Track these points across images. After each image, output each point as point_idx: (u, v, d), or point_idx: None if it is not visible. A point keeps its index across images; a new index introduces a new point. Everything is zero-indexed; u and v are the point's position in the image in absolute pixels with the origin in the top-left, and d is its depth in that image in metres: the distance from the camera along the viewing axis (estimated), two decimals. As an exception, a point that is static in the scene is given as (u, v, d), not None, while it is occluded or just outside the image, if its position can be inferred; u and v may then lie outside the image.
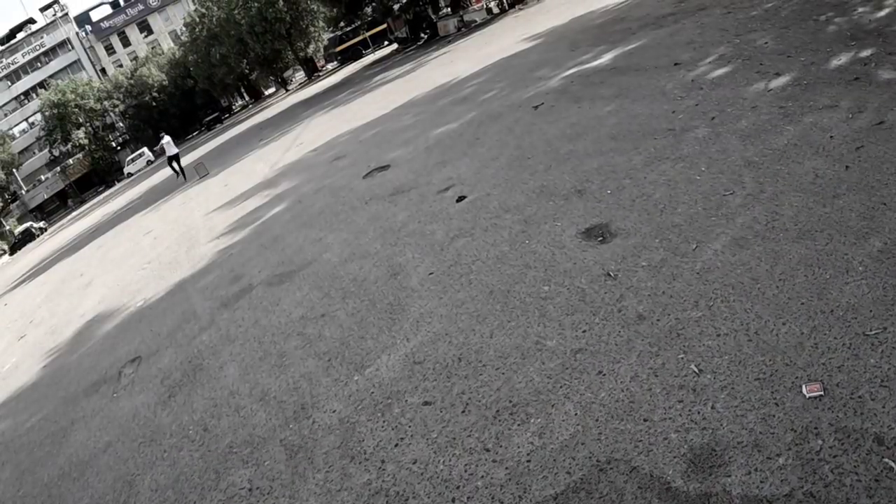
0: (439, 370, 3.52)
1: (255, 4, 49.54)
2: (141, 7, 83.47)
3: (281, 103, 43.65)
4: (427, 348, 3.77)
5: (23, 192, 78.43)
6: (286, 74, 67.21)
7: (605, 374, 2.95)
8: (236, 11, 50.59)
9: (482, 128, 8.51)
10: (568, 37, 13.25)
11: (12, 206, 74.83)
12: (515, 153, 6.67)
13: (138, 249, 12.29)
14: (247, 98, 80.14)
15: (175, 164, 21.42)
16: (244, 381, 4.42)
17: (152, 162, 60.93)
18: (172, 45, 77.45)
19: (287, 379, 4.17)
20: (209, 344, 5.35)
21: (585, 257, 4.00)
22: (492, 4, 33.05)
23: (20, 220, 71.34)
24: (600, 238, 4.15)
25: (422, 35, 36.85)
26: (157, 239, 12.36)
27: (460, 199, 6.04)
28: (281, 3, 49.30)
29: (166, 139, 21.39)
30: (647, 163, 4.98)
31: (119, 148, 75.96)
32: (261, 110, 49.42)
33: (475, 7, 34.60)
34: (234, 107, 79.51)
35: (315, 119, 20.25)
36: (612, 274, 3.72)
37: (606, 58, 9.44)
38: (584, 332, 3.30)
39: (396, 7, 39.39)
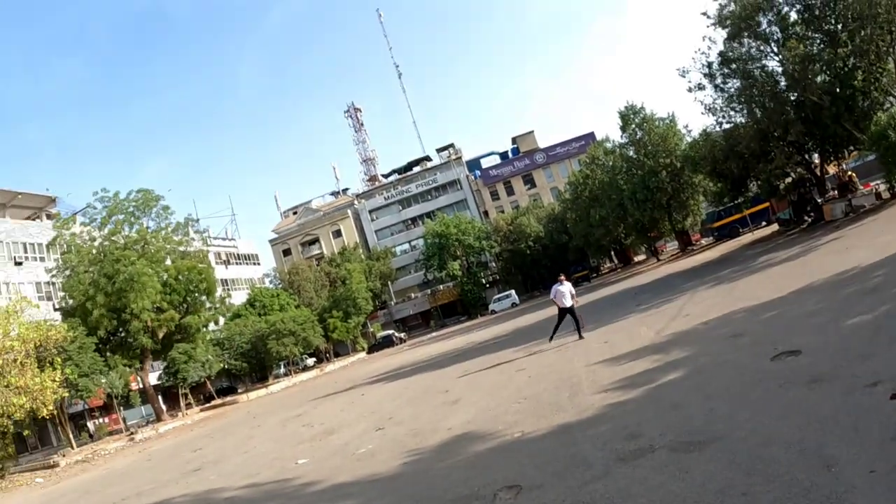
0: None
1: (639, 173, 53.09)
2: (527, 162, 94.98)
3: (654, 271, 44.78)
4: None
5: (392, 303, 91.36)
6: (658, 243, 68.92)
7: None
8: (620, 177, 54.41)
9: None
10: None
11: (380, 312, 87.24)
12: None
13: (511, 383, 13.14)
14: (616, 261, 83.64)
15: (571, 315, 17.94)
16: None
17: (517, 304, 66.25)
18: (552, 200, 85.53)
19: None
20: (604, 494, 5.36)
21: None
22: (882, 188, 32.72)
23: (383, 327, 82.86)
24: None
25: (805, 217, 36.70)
26: (532, 378, 13.08)
27: (893, 396, 5.65)
28: (664, 173, 51.92)
29: (566, 287, 18.46)
30: None
31: (487, 286, 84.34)
32: (631, 275, 51.01)
33: (863, 191, 33.88)
34: (602, 268, 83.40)
35: (699, 292, 20.32)
36: None
37: None
38: None
39: (781, 187, 38.99)
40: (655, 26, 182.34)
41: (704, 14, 35.79)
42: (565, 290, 18.28)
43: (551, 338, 18.28)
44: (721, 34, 35.62)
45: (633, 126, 54.17)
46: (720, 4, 35.05)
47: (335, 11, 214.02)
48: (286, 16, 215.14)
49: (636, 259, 77.24)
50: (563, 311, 18.29)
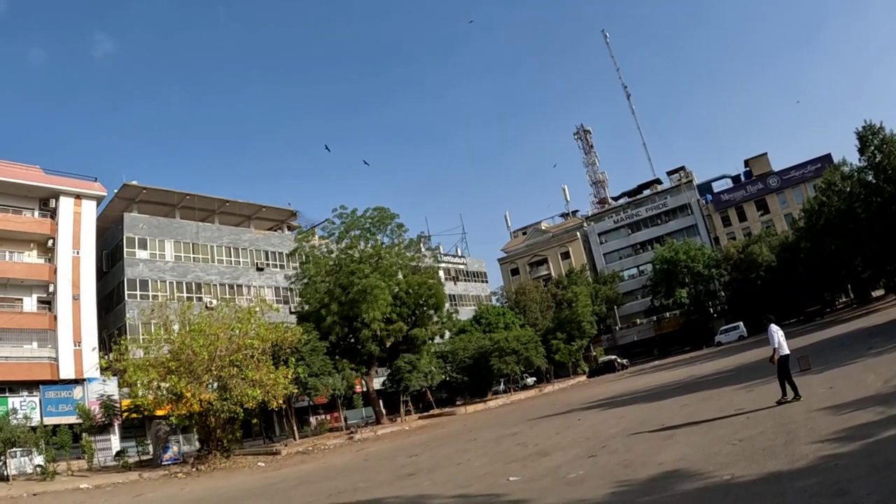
0: None
1: (878, 200, 47.69)
2: (760, 186, 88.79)
3: (890, 311, 40.98)
4: None
5: (616, 328, 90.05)
6: None
7: None
8: (857, 205, 49.22)
9: None
10: None
11: (603, 337, 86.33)
12: None
13: (727, 424, 12.91)
14: (851, 296, 75.88)
15: (784, 371, 14.68)
16: None
17: (745, 337, 62.55)
18: (786, 227, 79.32)
19: None
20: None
21: None
22: None
23: (606, 352, 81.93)
24: None
25: None
26: (749, 420, 12.81)
27: None
28: None
29: (776, 332, 15.26)
30: None
31: (715, 316, 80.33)
32: (866, 313, 46.59)
33: None
34: (836, 303, 76.10)
35: None
36: None
37: None
38: None
39: None
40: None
41: None
42: (778, 335, 15.07)
43: (796, 394, 14.25)
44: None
45: (872, 148, 49.12)
46: None
47: (560, 34, 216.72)
48: (512, 38, 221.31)
49: (874, 295, 69.82)
50: (785, 360, 14.82)
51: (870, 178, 50.04)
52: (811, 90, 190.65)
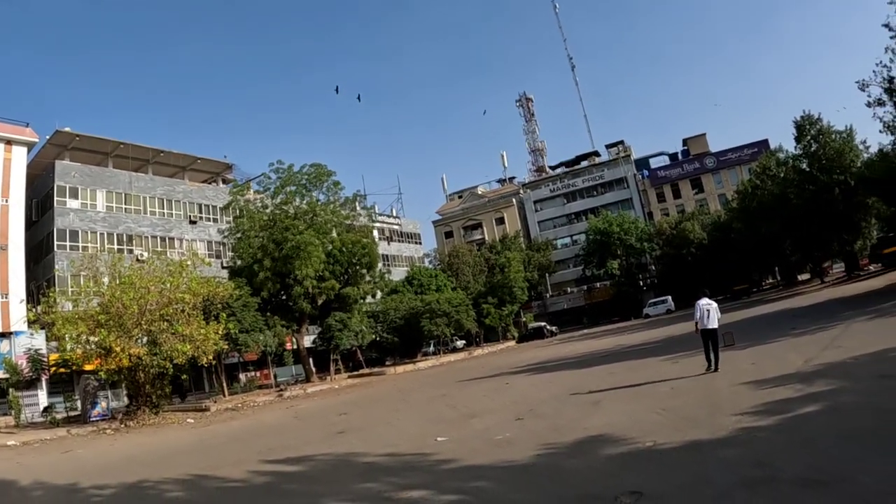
0: None
1: (810, 188, 49.81)
2: (697, 165, 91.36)
3: (815, 294, 42.60)
4: None
5: (547, 295, 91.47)
6: (825, 265, 65.15)
7: None
8: (791, 191, 51.13)
9: None
10: None
11: (534, 303, 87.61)
12: None
13: (653, 394, 13.24)
14: (778, 278, 79.13)
15: (710, 344, 15.19)
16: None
17: (672, 311, 64.48)
18: (719, 207, 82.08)
19: None
20: (725, 515, 5.67)
21: None
22: None
23: (536, 318, 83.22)
24: None
25: None
26: (674, 390, 13.15)
27: None
28: (837, 191, 48.55)
29: (705, 304, 15.82)
30: None
31: (644, 288, 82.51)
32: (792, 295, 48.52)
33: None
34: (764, 283, 79.22)
35: (857, 323, 19.39)
36: None
37: None
38: None
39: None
40: (839, 32, 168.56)
41: (886, 26, 32.98)
42: (713, 309, 15.61)
43: (710, 366, 15.00)
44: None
45: (809, 137, 50.83)
46: None
47: (511, 2, 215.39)
48: (462, 3, 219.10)
49: (800, 278, 72.88)
50: (708, 334, 15.31)
51: (804, 165, 51.90)
52: (756, 76, 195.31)
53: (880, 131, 37.54)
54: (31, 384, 33.86)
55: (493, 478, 8.34)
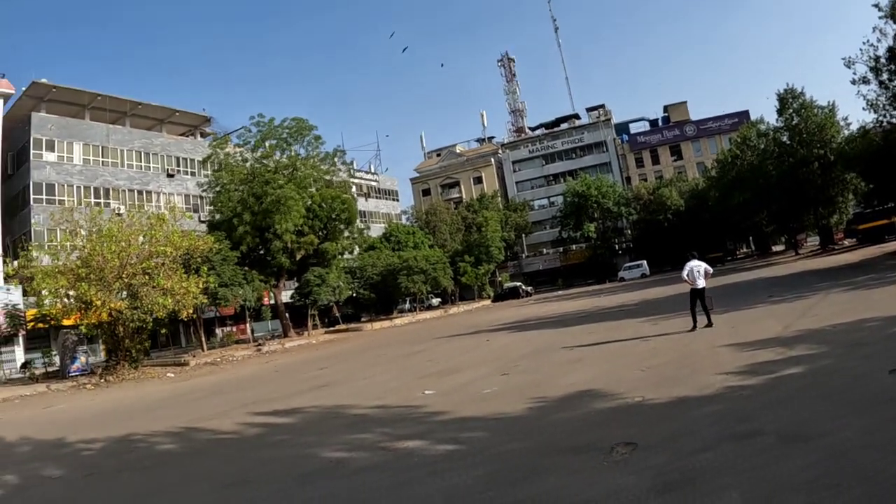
0: None
1: (790, 160, 50.92)
2: (677, 132, 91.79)
3: (790, 265, 43.26)
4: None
5: (523, 255, 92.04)
6: (799, 237, 66.08)
7: None
8: (769, 162, 51.96)
9: None
10: None
11: (510, 263, 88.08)
12: None
13: (634, 353, 13.54)
14: (753, 248, 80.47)
15: (700, 303, 16.03)
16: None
17: (647, 276, 65.32)
18: (697, 175, 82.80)
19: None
20: (713, 463, 5.82)
21: None
22: None
23: (512, 278, 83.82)
24: None
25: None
26: (655, 350, 13.47)
27: None
28: (816, 165, 49.56)
29: (695, 265, 16.36)
30: None
31: (620, 252, 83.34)
32: (767, 265, 49.33)
33: None
34: (738, 252, 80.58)
35: (833, 294, 19.77)
36: None
37: None
38: None
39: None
40: (828, 8, 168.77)
41: (876, 6, 33.28)
42: (701, 269, 16.18)
43: (695, 326, 15.76)
44: (893, 28, 33.20)
45: (791, 111, 51.36)
46: None
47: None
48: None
49: (774, 249, 74.13)
50: (696, 293, 16.06)
51: (784, 138, 52.47)
52: (742, 47, 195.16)
53: (864, 108, 38.40)
54: (9, 340, 33.74)
55: (485, 429, 8.57)
